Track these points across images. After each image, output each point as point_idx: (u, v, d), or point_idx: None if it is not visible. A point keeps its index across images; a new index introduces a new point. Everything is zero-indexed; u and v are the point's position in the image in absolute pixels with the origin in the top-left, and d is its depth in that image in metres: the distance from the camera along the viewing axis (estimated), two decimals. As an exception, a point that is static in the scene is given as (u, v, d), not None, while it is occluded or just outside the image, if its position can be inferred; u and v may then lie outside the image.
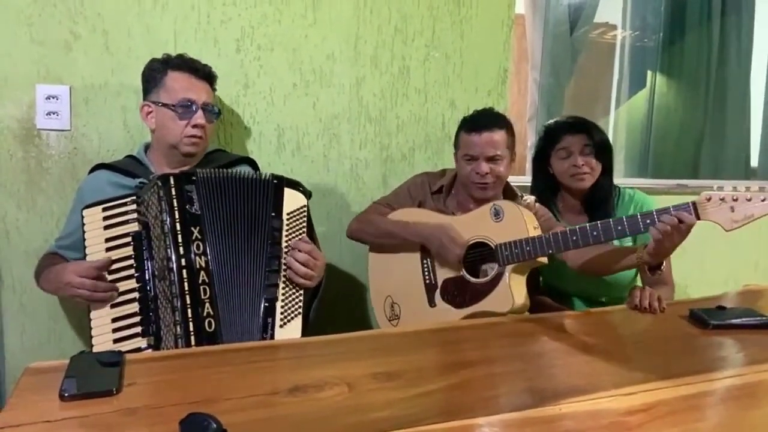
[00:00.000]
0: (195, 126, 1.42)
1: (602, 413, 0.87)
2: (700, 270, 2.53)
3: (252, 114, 1.79)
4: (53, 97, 1.59)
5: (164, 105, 1.42)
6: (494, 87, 2.06)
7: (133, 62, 1.65)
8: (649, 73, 3.00)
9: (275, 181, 1.37)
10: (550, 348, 1.19)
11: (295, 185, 1.40)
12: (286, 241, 1.34)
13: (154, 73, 1.45)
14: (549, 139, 1.73)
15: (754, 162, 3.12)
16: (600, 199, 1.70)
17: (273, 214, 1.34)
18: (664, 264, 1.35)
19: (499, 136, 1.56)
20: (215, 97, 1.55)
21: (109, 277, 1.26)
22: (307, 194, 1.42)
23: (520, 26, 2.62)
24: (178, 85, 1.43)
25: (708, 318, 1.29)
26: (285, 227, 1.35)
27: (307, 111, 1.85)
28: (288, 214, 1.36)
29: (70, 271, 1.24)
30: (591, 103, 3.01)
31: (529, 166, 2.65)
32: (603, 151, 1.67)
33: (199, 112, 1.43)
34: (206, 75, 1.49)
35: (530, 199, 1.66)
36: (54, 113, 1.60)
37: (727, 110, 2.96)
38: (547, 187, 1.77)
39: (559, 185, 1.75)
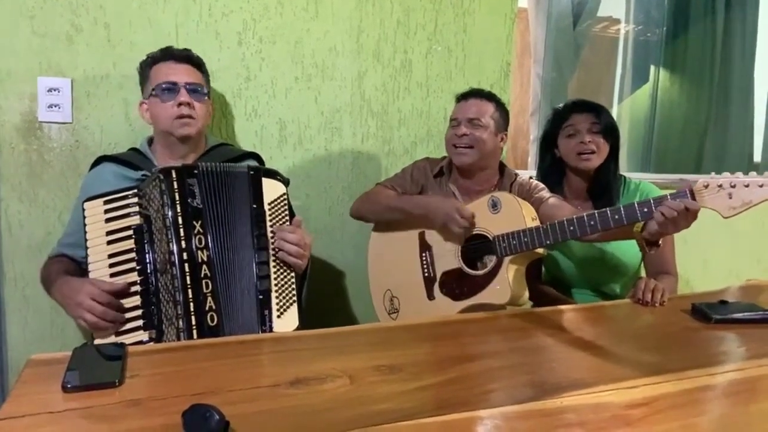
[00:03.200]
0: (180, 105, 1.41)
1: (604, 406, 0.87)
2: (703, 265, 2.53)
3: (254, 107, 1.79)
4: (55, 90, 1.59)
5: (151, 95, 1.44)
6: (497, 81, 2.05)
7: (135, 55, 1.64)
8: (653, 67, 2.99)
9: (252, 172, 1.37)
10: (552, 342, 1.19)
11: (273, 174, 1.40)
12: (271, 231, 1.34)
13: (142, 72, 1.48)
14: (557, 120, 1.73)
15: (758, 157, 3.11)
16: (604, 185, 1.69)
17: (255, 205, 1.34)
18: (661, 242, 1.34)
19: (485, 105, 1.61)
20: (206, 83, 1.52)
21: (110, 271, 1.25)
22: (286, 182, 1.42)
23: (523, 20, 2.61)
24: (160, 73, 1.44)
25: (710, 312, 1.29)
26: (268, 217, 1.35)
27: (308, 104, 1.85)
28: (269, 204, 1.36)
29: (85, 292, 1.21)
30: (594, 98, 2.97)
31: (531, 160, 2.65)
32: (610, 132, 1.67)
33: (182, 90, 1.42)
34: (186, 58, 1.48)
35: (525, 177, 1.66)
36: (56, 106, 1.60)
37: (730, 105, 2.96)
38: (552, 171, 1.76)
39: (564, 170, 1.74)
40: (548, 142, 1.76)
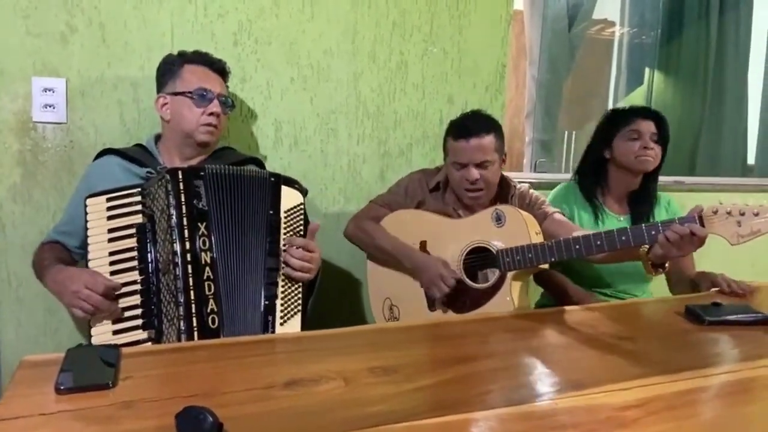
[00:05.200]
0: (210, 114, 1.44)
1: (598, 408, 0.87)
2: (697, 267, 2.53)
3: (249, 108, 1.79)
4: (49, 90, 1.59)
5: (180, 94, 1.44)
6: (492, 83, 2.06)
7: (130, 55, 1.64)
8: (647, 69, 3.00)
9: (272, 179, 1.37)
10: (546, 343, 1.19)
11: (292, 183, 1.41)
12: (285, 239, 1.34)
13: (171, 66, 1.48)
14: (617, 121, 1.74)
15: (751, 159, 3.12)
16: (645, 194, 1.76)
17: (271, 211, 1.35)
18: (667, 264, 1.35)
19: (487, 141, 1.54)
20: (229, 92, 1.58)
21: (111, 268, 1.25)
22: (304, 192, 1.42)
23: (519, 22, 2.62)
24: (195, 76, 1.46)
25: (703, 314, 1.30)
26: (283, 225, 1.35)
27: (304, 106, 1.85)
28: (285, 211, 1.37)
29: (81, 280, 1.20)
30: (589, 100, 3.01)
31: (527, 161, 2.65)
32: (665, 145, 1.73)
33: (215, 101, 1.45)
34: (221, 69, 1.53)
35: (524, 186, 1.66)
36: (50, 106, 1.59)
37: (724, 107, 2.97)
38: (596, 170, 1.79)
39: (607, 172, 1.77)
40: (601, 141, 1.77)
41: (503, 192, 1.65)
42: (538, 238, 1.42)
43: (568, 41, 2.69)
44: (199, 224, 1.27)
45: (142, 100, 1.66)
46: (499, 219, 1.47)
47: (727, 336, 1.22)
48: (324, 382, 0.92)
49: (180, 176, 1.29)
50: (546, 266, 1.44)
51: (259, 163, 1.58)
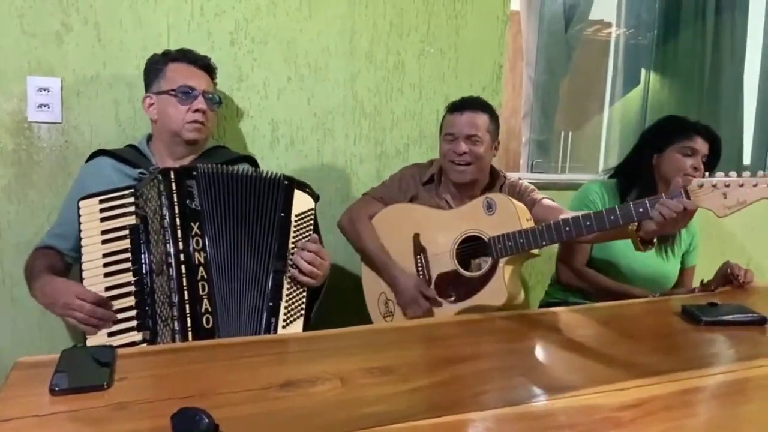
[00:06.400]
0: (196, 111, 1.43)
1: (594, 409, 0.87)
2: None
3: (246, 108, 1.79)
4: (44, 90, 1.58)
5: (164, 92, 1.43)
6: (489, 83, 2.06)
7: (126, 55, 1.64)
8: (643, 70, 3.01)
9: (286, 182, 1.37)
10: (543, 344, 1.19)
11: (304, 187, 1.40)
12: (293, 243, 1.34)
13: (156, 66, 1.48)
14: (674, 131, 1.74)
15: (747, 159, 3.14)
16: None
17: (282, 214, 1.34)
18: (655, 240, 1.36)
19: (481, 119, 1.58)
20: (216, 89, 1.57)
21: (105, 270, 1.24)
22: (315, 197, 1.42)
23: (515, 23, 2.62)
24: (178, 74, 1.45)
25: (700, 314, 1.30)
26: (293, 229, 1.35)
27: (301, 105, 1.84)
28: (297, 215, 1.36)
29: (71, 292, 1.20)
30: (585, 100, 3.01)
31: (523, 161, 2.66)
32: (712, 169, 1.72)
33: (200, 98, 1.44)
34: (205, 65, 1.51)
35: (514, 178, 1.68)
36: (45, 105, 1.59)
37: (720, 108, 2.97)
38: (634, 173, 1.78)
39: (651, 177, 1.76)
40: (653, 146, 1.76)
41: (493, 182, 1.67)
42: (528, 225, 1.43)
43: (564, 42, 2.70)
44: (192, 224, 1.27)
45: (137, 100, 1.65)
46: (490, 207, 1.48)
47: (723, 336, 1.23)
48: (320, 383, 0.92)
49: (172, 176, 1.28)
50: (537, 251, 1.45)
51: (253, 162, 1.58)
